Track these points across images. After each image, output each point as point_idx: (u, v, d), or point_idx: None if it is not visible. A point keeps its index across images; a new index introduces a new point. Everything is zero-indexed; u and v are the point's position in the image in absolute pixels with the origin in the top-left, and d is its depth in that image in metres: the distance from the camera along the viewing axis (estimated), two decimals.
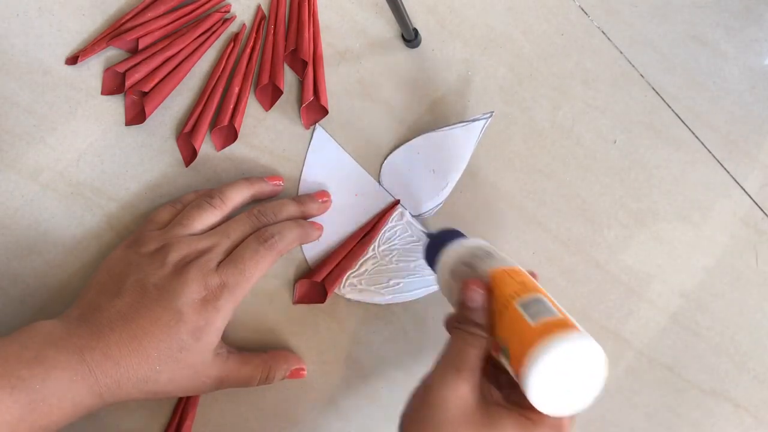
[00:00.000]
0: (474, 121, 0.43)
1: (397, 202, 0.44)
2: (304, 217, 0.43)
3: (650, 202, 0.45)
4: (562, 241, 0.44)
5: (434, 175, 0.44)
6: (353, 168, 0.44)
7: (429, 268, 0.43)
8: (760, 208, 0.45)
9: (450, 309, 0.38)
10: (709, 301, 0.44)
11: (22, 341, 0.33)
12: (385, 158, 0.44)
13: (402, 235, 0.44)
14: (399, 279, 0.43)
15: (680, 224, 0.45)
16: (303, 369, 0.42)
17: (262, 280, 0.43)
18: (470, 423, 0.31)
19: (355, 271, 0.43)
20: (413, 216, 0.44)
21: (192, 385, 0.37)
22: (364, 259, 0.43)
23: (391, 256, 0.44)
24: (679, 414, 0.44)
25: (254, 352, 0.41)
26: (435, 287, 0.44)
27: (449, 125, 0.43)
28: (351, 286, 0.43)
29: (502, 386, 0.34)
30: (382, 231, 0.44)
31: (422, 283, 0.44)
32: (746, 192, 0.45)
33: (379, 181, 0.44)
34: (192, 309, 0.36)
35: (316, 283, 0.42)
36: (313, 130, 0.44)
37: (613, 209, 0.45)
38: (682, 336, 0.44)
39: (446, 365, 0.32)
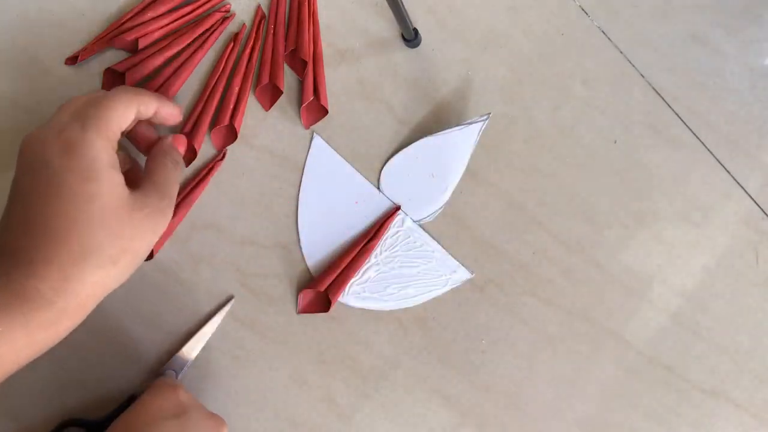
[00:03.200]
0: (471, 123, 0.43)
1: (397, 209, 0.44)
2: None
3: (650, 202, 0.45)
4: (562, 241, 0.44)
5: (433, 179, 0.44)
6: (352, 175, 0.44)
7: (432, 273, 0.44)
8: (760, 208, 0.45)
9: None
10: (710, 301, 0.44)
11: None
12: (384, 164, 0.44)
13: (404, 241, 0.44)
14: (402, 285, 0.43)
15: (680, 224, 0.45)
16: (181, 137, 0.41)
17: (265, 286, 0.43)
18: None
19: (358, 279, 0.43)
20: (414, 221, 0.44)
21: (135, 226, 0.34)
22: (367, 266, 0.43)
23: (393, 262, 0.44)
24: (679, 414, 0.44)
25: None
26: (438, 292, 0.44)
27: (447, 129, 0.43)
28: (354, 294, 0.43)
29: None
30: (384, 238, 0.44)
31: (425, 289, 0.44)
32: (746, 192, 0.45)
33: (378, 188, 0.44)
34: (62, 161, 0.32)
35: (319, 293, 0.42)
36: (311, 138, 0.44)
37: (613, 209, 0.45)
38: (683, 336, 0.44)
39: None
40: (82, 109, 0.34)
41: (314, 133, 0.44)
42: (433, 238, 0.44)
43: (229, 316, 0.43)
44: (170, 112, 0.39)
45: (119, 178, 0.34)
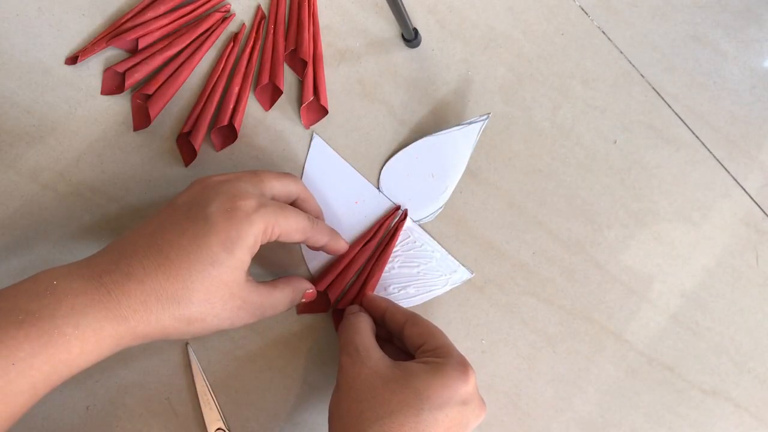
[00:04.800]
0: (471, 123, 0.43)
1: (397, 208, 0.44)
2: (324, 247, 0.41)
3: (650, 202, 0.45)
4: (562, 241, 0.44)
5: (433, 179, 0.44)
6: (352, 175, 0.44)
7: (432, 273, 0.44)
8: (760, 208, 0.45)
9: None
10: (710, 301, 0.44)
11: (35, 277, 0.32)
12: (384, 164, 0.44)
13: (404, 241, 0.44)
14: (402, 285, 0.43)
15: (680, 224, 0.45)
16: (313, 289, 0.41)
17: None
18: (388, 380, 0.35)
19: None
20: (414, 221, 0.44)
21: (228, 311, 0.34)
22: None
23: (393, 262, 0.44)
24: (679, 414, 0.44)
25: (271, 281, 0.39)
26: (438, 292, 0.44)
27: (446, 128, 0.43)
28: None
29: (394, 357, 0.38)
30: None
31: (425, 289, 0.44)
32: (746, 192, 0.45)
33: (378, 188, 0.44)
34: (222, 217, 0.33)
35: (319, 292, 0.42)
36: (311, 138, 0.44)
37: (613, 209, 0.45)
38: (683, 336, 0.44)
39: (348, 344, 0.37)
40: (266, 198, 0.36)
41: (314, 133, 0.44)
42: (433, 238, 0.44)
43: None
44: (341, 247, 0.41)
45: (246, 265, 0.35)
